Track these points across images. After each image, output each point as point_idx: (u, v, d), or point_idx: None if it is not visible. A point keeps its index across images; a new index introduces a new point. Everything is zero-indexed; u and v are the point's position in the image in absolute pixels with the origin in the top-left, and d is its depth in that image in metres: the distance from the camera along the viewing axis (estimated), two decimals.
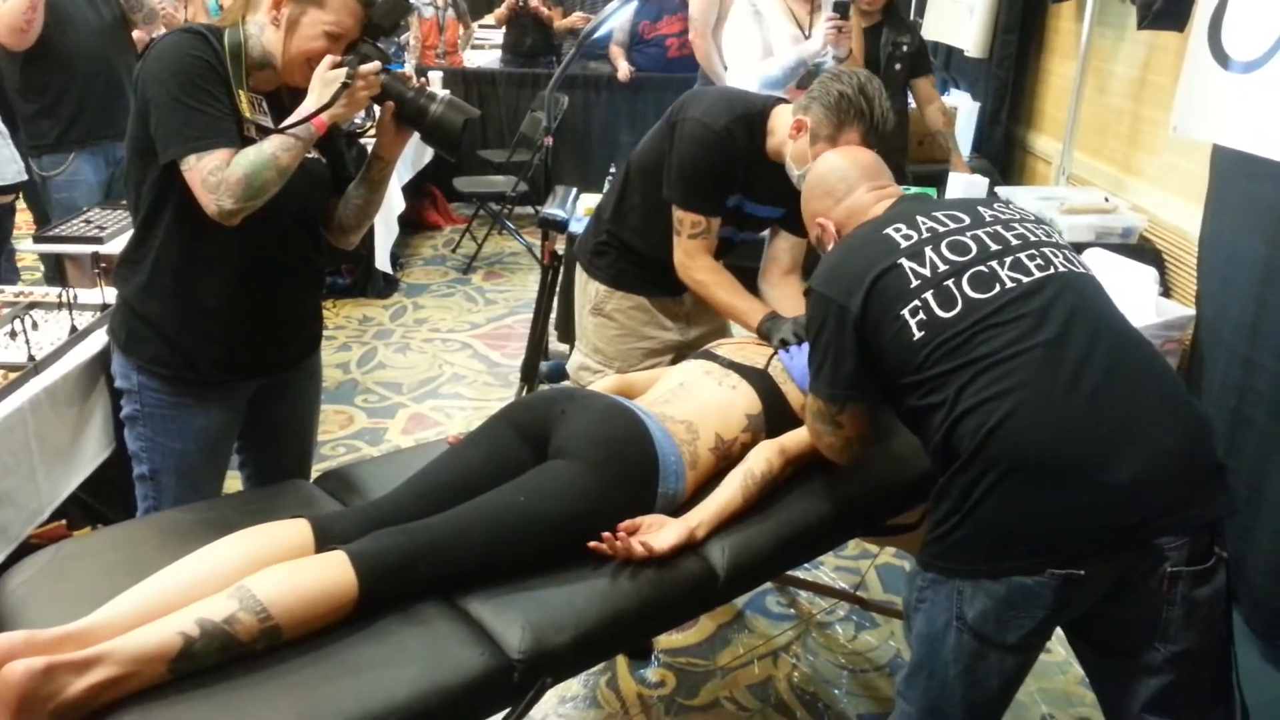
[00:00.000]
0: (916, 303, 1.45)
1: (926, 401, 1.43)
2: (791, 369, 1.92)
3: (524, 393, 3.43)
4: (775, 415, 1.86)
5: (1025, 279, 1.45)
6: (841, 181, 1.70)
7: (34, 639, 1.22)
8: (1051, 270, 1.47)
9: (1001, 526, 1.36)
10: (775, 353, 1.96)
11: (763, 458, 1.73)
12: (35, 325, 2.15)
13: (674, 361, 2.30)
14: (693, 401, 1.83)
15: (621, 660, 2.32)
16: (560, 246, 3.30)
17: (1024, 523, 1.35)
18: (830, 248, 1.68)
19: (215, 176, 1.57)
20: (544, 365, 3.54)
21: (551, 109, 4.07)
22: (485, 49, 7.33)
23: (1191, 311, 2.55)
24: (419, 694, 1.29)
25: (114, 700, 1.21)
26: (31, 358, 1.98)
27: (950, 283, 1.45)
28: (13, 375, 1.94)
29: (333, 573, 1.36)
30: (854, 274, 1.50)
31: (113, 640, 1.23)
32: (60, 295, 2.26)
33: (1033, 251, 1.50)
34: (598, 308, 2.34)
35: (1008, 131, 4.44)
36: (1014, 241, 1.51)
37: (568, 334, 3.28)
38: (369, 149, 1.88)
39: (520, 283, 5.04)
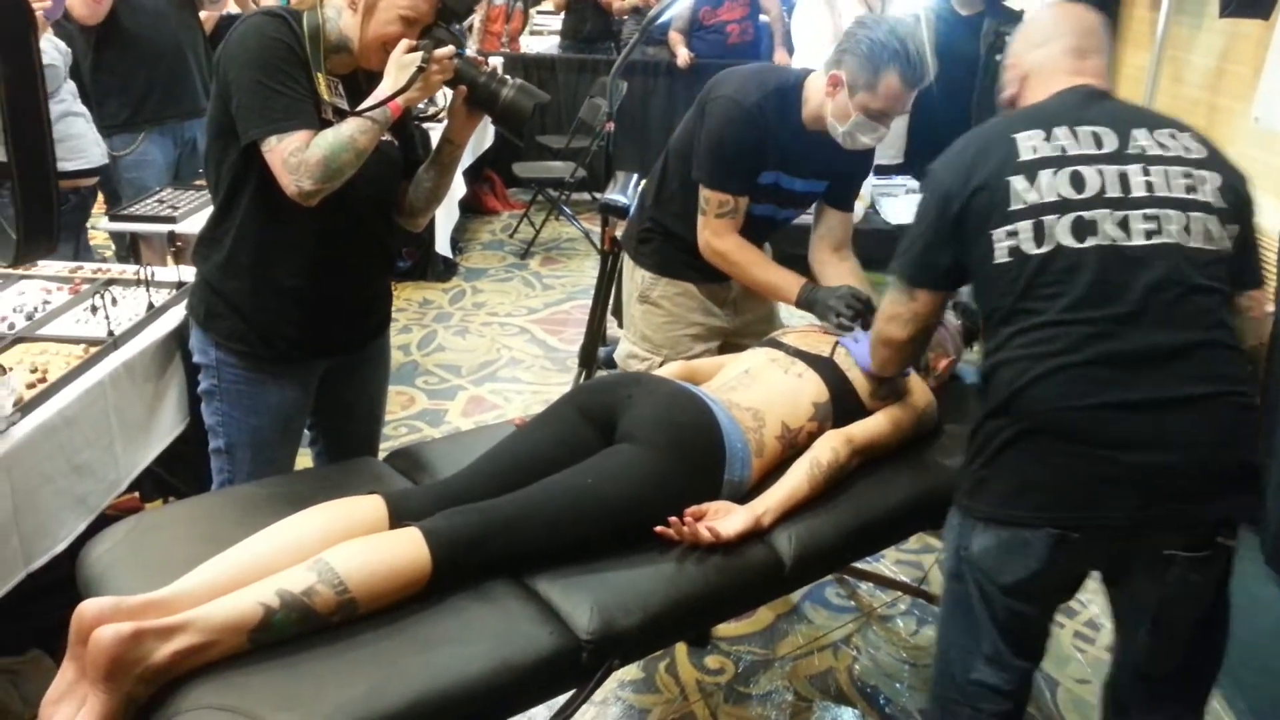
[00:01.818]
0: (1011, 228, 1.41)
1: (987, 329, 1.47)
2: (855, 353, 1.90)
3: (583, 378, 3.44)
4: (842, 404, 1.84)
5: (1124, 242, 1.38)
6: (1044, 30, 1.60)
7: (121, 605, 1.25)
8: (1159, 240, 1.38)
9: (1016, 478, 1.41)
10: (837, 341, 1.94)
11: (830, 447, 1.72)
12: (115, 301, 2.20)
13: (721, 350, 2.30)
14: (759, 389, 1.82)
15: (680, 646, 2.33)
16: (620, 232, 3.30)
17: (1036, 480, 1.39)
18: (1010, 97, 1.62)
19: (295, 158, 1.60)
20: (603, 351, 3.54)
21: (613, 95, 4.06)
22: (544, 34, 7.35)
23: (1271, 308, 2.47)
24: (489, 671, 1.31)
25: (196, 667, 1.24)
26: (111, 333, 2.03)
27: (1050, 219, 1.40)
28: (93, 350, 1.99)
29: (408, 549, 1.38)
30: (965, 171, 1.46)
31: (195, 609, 1.26)
32: (138, 273, 2.32)
33: (1151, 211, 1.40)
34: (644, 295, 2.34)
35: None
36: (1138, 193, 1.41)
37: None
38: (429, 132, 1.89)
39: (577, 268, 5.06)
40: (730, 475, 1.68)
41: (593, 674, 1.41)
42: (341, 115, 1.67)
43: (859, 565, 2.52)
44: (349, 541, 1.37)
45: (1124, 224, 1.39)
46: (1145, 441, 1.34)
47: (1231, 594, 1.48)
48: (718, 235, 2.15)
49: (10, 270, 2.36)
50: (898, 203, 4.28)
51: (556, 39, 6.74)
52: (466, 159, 5.25)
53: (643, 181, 3.41)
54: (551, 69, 6.14)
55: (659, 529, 1.54)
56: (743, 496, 1.68)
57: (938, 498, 1.81)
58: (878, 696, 2.23)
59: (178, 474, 2.27)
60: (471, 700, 1.29)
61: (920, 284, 1.55)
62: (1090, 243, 1.38)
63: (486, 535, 1.45)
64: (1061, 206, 1.40)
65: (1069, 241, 1.39)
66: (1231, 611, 1.49)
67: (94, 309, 2.14)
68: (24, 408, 1.77)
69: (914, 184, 4.47)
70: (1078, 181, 1.41)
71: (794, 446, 1.77)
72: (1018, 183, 1.42)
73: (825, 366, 1.88)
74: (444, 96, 1.81)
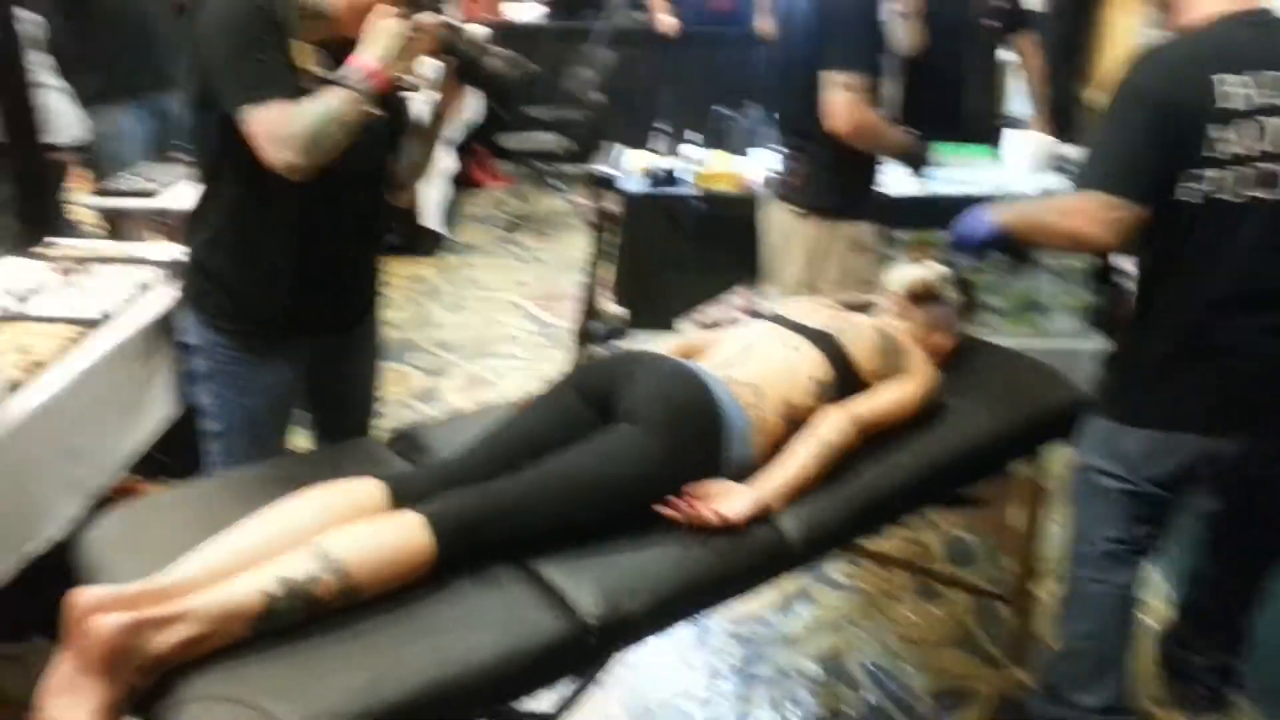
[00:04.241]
0: (1215, 173, 1.54)
1: (1158, 247, 1.63)
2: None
3: (580, 354, 3.41)
4: (843, 380, 1.82)
5: None
6: None
7: (119, 595, 1.23)
8: None
9: (1172, 389, 1.64)
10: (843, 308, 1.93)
11: (837, 428, 1.70)
12: (100, 282, 2.16)
13: None
14: (758, 364, 1.80)
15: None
16: (611, 204, 3.27)
17: (1189, 391, 1.63)
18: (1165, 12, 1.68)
19: (279, 130, 1.53)
20: (600, 327, 3.52)
21: (599, 65, 4.01)
22: (525, 1, 7.25)
23: None
24: (495, 658, 1.29)
25: (197, 656, 1.21)
26: (101, 312, 1.99)
27: (1249, 169, 1.53)
28: (84, 330, 1.95)
29: (410, 534, 1.36)
30: (1175, 92, 1.55)
31: (195, 598, 1.23)
32: (122, 250, 2.27)
33: None
34: (858, 243, 2.48)
35: (1068, 88, 4.30)
36: None
37: (624, 295, 3.26)
38: (405, 101, 1.86)
39: (568, 242, 5.01)
40: (731, 453, 1.66)
41: (599, 658, 1.39)
42: (320, 84, 1.61)
43: (863, 543, 2.52)
44: (351, 526, 1.35)
45: None
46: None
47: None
48: (863, 108, 2.29)
49: None
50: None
51: (539, 7, 6.64)
52: (455, 133, 5.18)
53: (628, 152, 3.38)
54: (535, 38, 6.05)
55: (659, 507, 1.52)
56: (745, 473, 1.66)
57: (942, 475, 1.81)
58: (884, 678, 2.23)
59: (175, 456, 2.24)
60: (476, 688, 1.27)
61: (1123, 194, 1.59)
62: (1266, 195, 1.54)
63: (489, 518, 1.43)
64: (1260, 157, 1.53)
65: (1254, 193, 1.54)
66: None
67: (79, 289, 2.10)
68: (13, 390, 1.73)
69: None
70: (1264, 133, 1.54)
71: (795, 423, 1.75)
72: (1220, 134, 1.53)
73: (826, 341, 1.86)
74: (432, 68, 1.77)
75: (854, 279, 2.42)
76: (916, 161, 2.54)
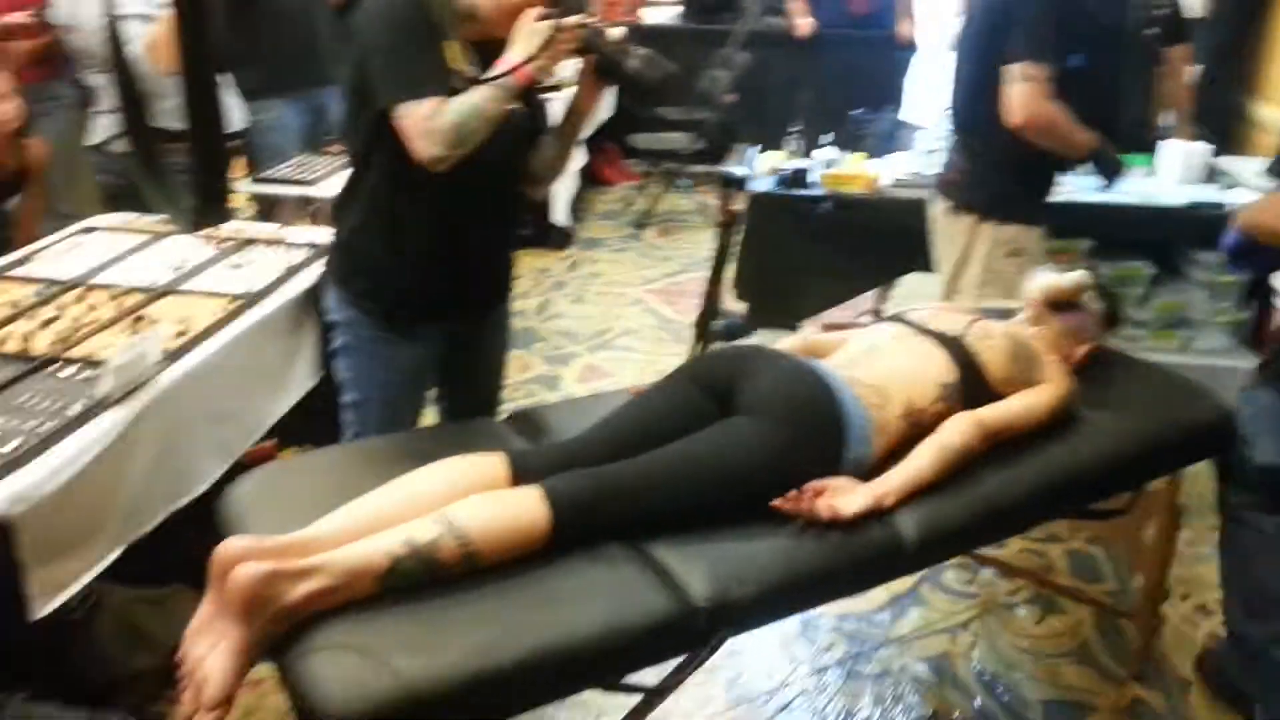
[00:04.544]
0: None
1: None
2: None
3: (699, 350, 3.43)
4: (971, 385, 1.78)
5: None
6: None
7: (259, 545, 1.31)
8: None
9: None
10: (974, 319, 1.87)
11: (959, 430, 1.66)
12: (254, 260, 2.29)
13: None
14: (882, 366, 1.77)
15: (792, 622, 2.31)
16: (739, 204, 3.27)
17: None
18: None
19: (426, 124, 1.61)
20: (720, 323, 3.53)
21: (733, 66, 4.01)
22: (663, 4, 7.30)
23: None
24: (605, 630, 1.32)
25: (327, 608, 1.28)
26: (252, 288, 2.12)
27: None
28: (234, 304, 2.08)
29: (529, 507, 1.40)
30: None
31: (328, 553, 1.30)
32: (276, 233, 2.41)
33: None
34: (1017, 249, 2.38)
35: (1227, 98, 4.07)
36: None
37: (746, 292, 3.26)
38: (545, 103, 1.91)
39: (693, 240, 5.03)
40: (851, 452, 1.64)
41: (705, 641, 1.40)
42: (471, 83, 1.69)
43: (983, 551, 2.45)
44: (473, 497, 1.40)
45: None
46: None
47: None
48: (1043, 100, 2.20)
49: (159, 227, 2.49)
50: None
51: (676, 9, 6.68)
52: (586, 130, 5.26)
53: (762, 153, 3.37)
54: (670, 40, 6.09)
55: (777, 503, 1.52)
56: (864, 474, 1.64)
57: (1069, 487, 1.74)
58: (996, 685, 2.17)
59: (311, 426, 2.36)
60: (585, 657, 1.30)
61: None
62: None
63: (605, 498, 1.46)
64: None
65: None
66: None
67: (235, 266, 2.23)
68: (171, 357, 1.86)
69: None
70: None
71: (920, 426, 1.71)
72: None
73: (955, 346, 1.82)
74: (572, 66, 1.81)
75: (1000, 283, 2.34)
76: (1110, 170, 2.40)
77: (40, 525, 1.52)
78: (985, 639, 2.30)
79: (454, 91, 1.67)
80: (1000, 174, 2.37)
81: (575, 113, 1.86)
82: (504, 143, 1.76)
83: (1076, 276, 2.02)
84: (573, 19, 1.67)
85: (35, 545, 1.52)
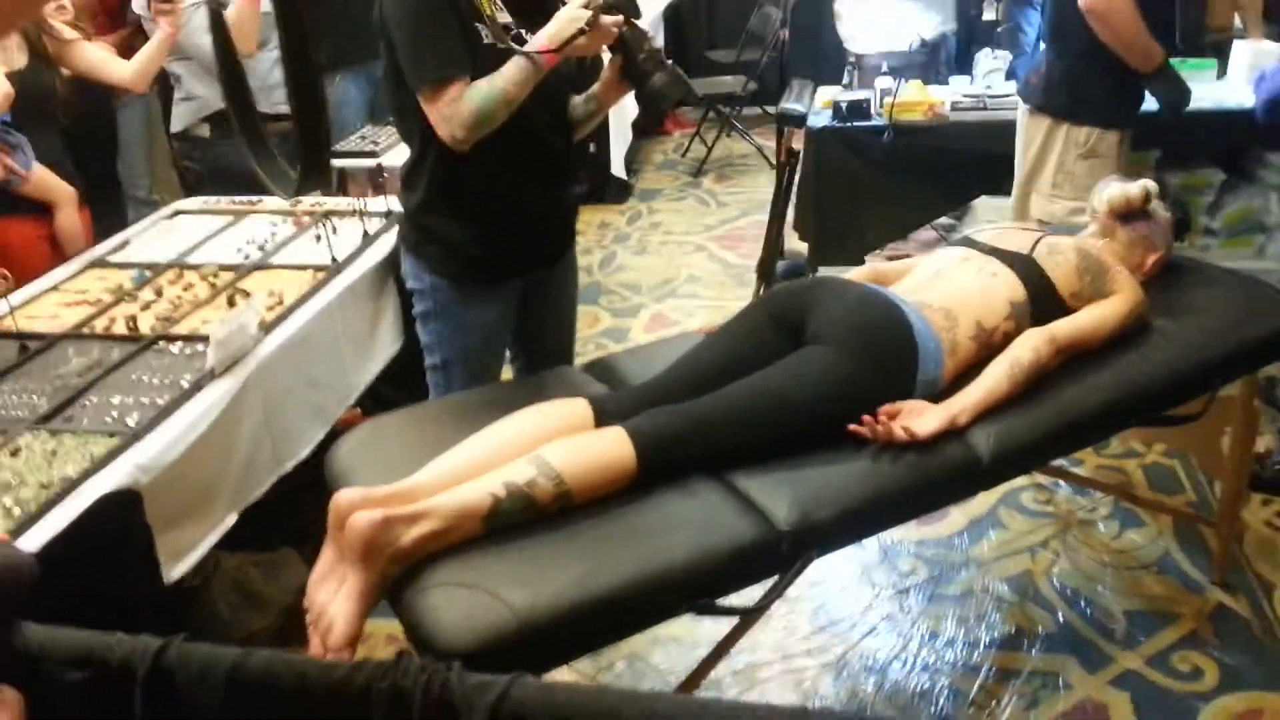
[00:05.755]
0: None
1: None
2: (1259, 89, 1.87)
3: (761, 291, 3.46)
4: (1041, 302, 1.79)
5: None
6: None
7: (370, 495, 1.40)
8: None
9: None
10: (1040, 237, 1.88)
11: (1031, 346, 1.68)
12: (335, 230, 2.39)
13: None
14: (950, 288, 1.79)
15: (872, 545, 2.36)
16: (797, 143, 3.27)
17: None
18: None
19: (449, 108, 1.67)
20: (781, 264, 3.55)
21: (784, 3, 3.98)
22: None
23: None
24: (694, 555, 1.38)
25: (438, 549, 1.37)
26: (334, 259, 2.22)
27: None
28: (320, 274, 2.18)
29: (615, 447, 1.47)
30: None
31: (435, 498, 1.39)
32: (351, 205, 2.50)
33: None
34: (1092, 150, 2.42)
35: None
36: None
37: (809, 231, 3.28)
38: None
39: (751, 184, 5.03)
40: (923, 375, 1.67)
41: (791, 563, 1.46)
42: (503, 33, 1.71)
43: (1058, 465, 2.46)
44: (562, 439, 1.48)
45: None
46: None
47: None
48: None
49: (240, 208, 2.60)
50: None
51: None
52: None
53: (819, 89, 3.36)
54: None
55: (853, 427, 1.56)
56: (937, 396, 1.67)
57: (1143, 395, 1.75)
58: (1078, 599, 2.20)
59: (398, 389, 2.47)
60: (677, 581, 1.36)
61: None
62: None
63: (687, 434, 1.52)
64: None
65: None
66: None
67: (317, 238, 2.33)
68: (267, 327, 1.97)
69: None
70: None
71: (990, 347, 1.74)
72: None
73: (1023, 264, 1.83)
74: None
75: (1071, 184, 2.38)
76: (1173, 102, 2.45)
77: (164, 493, 1.64)
78: (1065, 555, 2.33)
79: (486, 49, 1.69)
80: (1079, 77, 2.39)
81: (594, 101, 1.91)
82: (550, 95, 1.80)
83: (1143, 184, 2.00)
84: (612, 18, 1.69)
85: (161, 512, 1.64)
